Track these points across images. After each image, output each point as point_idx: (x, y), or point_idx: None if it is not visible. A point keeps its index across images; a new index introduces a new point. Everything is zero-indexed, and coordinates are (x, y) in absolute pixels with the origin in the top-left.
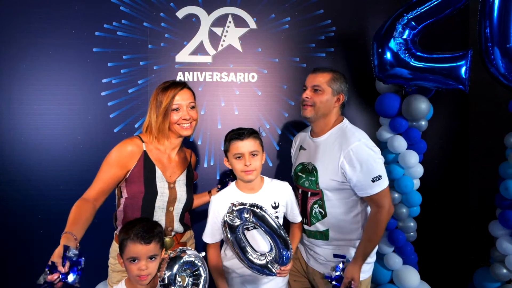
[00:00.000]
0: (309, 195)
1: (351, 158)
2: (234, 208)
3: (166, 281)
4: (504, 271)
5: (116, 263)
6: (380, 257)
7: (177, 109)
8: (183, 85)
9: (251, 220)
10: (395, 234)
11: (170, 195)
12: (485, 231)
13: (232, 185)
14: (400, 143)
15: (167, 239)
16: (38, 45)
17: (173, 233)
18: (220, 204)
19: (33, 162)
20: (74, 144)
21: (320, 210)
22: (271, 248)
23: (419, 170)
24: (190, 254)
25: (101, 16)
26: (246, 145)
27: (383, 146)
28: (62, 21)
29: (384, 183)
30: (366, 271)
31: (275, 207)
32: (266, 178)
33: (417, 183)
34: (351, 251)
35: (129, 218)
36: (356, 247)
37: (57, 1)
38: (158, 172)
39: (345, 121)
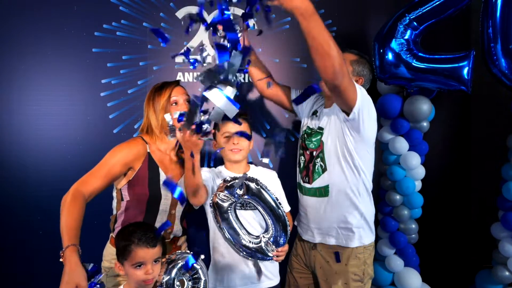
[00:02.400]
0: (314, 154)
1: None
2: (226, 184)
3: (164, 286)
4: (507, 273)
5: (111, 267)
6: (381, 259)
7: (175, 103)
8: (176, 82)
9: (245, 197)
10: (396, 236)
11: (172, 197)
12: (487, 233)
13: (222, 166)
14: (401, 144)
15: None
16: (36, 46)
17: (172, 236)
18: (209, 173)
19: (32, 162)
20: (73, 145)
21: (321, 163)
22: (267, 229)
23: (420, 171)
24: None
25: (100, 16)
26: (235, 125)
27: (384, 147)
28: (61, 21)
29: (359, 90)
30: (365, 236)
31: None
32: (252, 165)
33: (418, 184)
34: (349, 221)
35: (130, 221)
36: (354, 226)
37: (55, 1)
38: (162, 175)
39: None
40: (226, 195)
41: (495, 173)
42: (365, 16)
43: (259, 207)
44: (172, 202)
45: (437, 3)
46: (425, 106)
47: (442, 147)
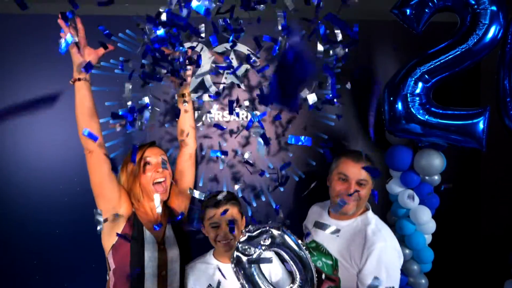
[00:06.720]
0: (323, 277)
1: (375, 258)
2: (250, 234)
3: None
4: None
5: None
6: None
7: (148, 163)
8: (152, 143)
9: (270, 248)
10: None
11: (163, 256)
12: None
13: (209, 253)
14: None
15: None
16: (32, 83)
17: None
18: (194, 275)
19: (29, 203)
20: (70, 186)
21: None
22: (293, 279)
23: (431, 226)
24: None
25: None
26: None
27: (393, 199)
28: (57, 58)
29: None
30: None
31: None
32: None
33: (428, 238)
34: None
35: None
36: None
37: (51, 38)
38: (147, 234)
39: (370, 211)
40: (248, 248)
41: (507, 228)
42: (372, 52)
43: (286, 256)
44: (161, 262)
45: (451, 56)
46: (437, 161)
47: (452, 200)
